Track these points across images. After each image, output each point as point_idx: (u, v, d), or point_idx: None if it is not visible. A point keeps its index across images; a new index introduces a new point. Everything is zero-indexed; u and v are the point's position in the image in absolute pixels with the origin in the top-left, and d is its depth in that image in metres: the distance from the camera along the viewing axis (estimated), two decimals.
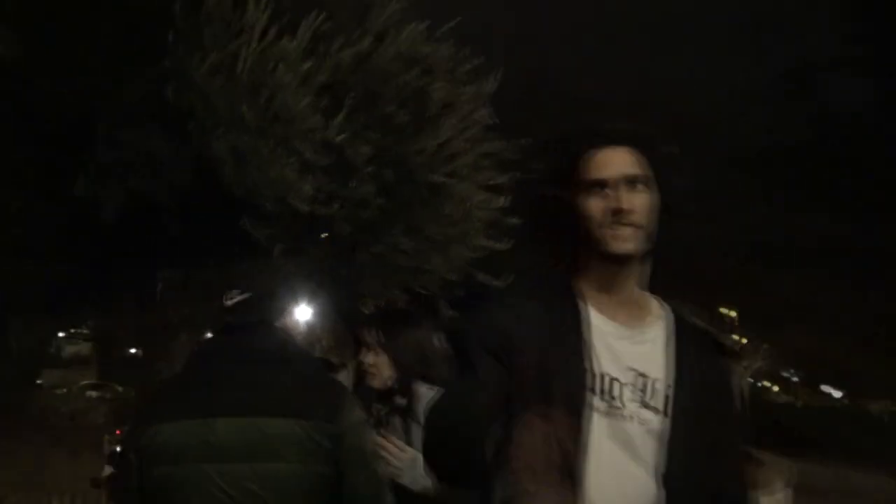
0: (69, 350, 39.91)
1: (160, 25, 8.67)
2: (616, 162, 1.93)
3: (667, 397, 1.89)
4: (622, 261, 1.93)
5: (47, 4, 8.98)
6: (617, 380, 1.88)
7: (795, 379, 54.08)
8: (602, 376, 1.88)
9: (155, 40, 8.77)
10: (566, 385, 1.84)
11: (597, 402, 1.86)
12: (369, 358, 3.19)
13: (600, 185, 1.91)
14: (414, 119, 9.80)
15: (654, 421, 1.88)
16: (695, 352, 1.97)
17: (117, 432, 7.70)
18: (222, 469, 2.33)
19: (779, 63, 20.18)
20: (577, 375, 1.86)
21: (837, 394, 48.12)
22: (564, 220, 1.95)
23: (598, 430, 1.84)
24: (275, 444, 2.35)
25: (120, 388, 28.31)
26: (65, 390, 28.51)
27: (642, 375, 1.90)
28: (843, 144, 18.88)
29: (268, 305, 2.67)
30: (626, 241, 1.90)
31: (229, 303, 2.60)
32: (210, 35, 8.68)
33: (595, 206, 1.91)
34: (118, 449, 7.67)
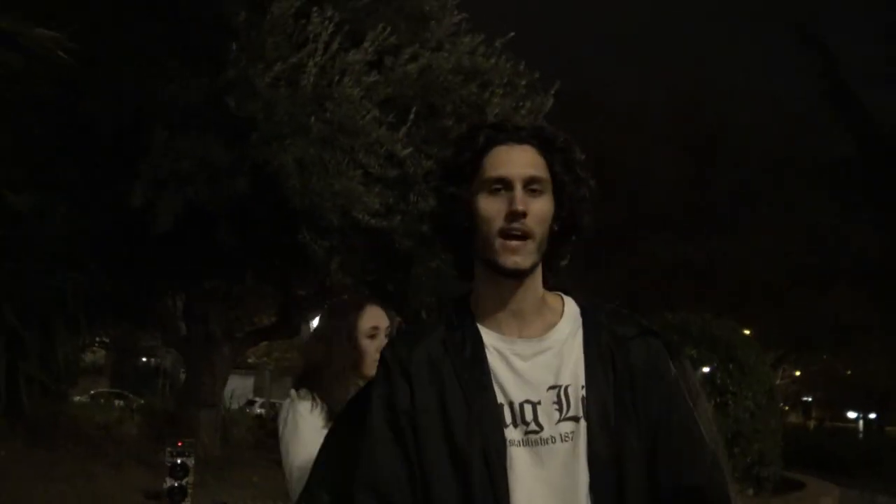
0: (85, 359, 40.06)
1: (222, 35, 8.62)
2: (518, 161, 1.78)
3: (583, 398, 1.73)
4: (515, 276, 1.78)
5: (105, 10, 8.94)
6: (529, 402, 1.74)
7: (808, 399, 53.56)
8: (511, 404, 1.73)
9: (217, 49, 8.72)
10: (476, 430, 1.70)
11: (512, 433, 1.72)
12: None
13: (500, 183, 1.76)
14: None
15: (577, 429, 1.73)
16: (605, 344, 1.80)
17: (179, 444, 7.57)
18: None
19: (823, 74, 19.94)
20: (487, 415, 1.72)
21: (861, 417, 47.81)
22: (461, 222, 1.81)
23: (521, 463, 1.70)
24: None
25: (141, 400, 28.31)
26: (87, 398, 28.55)
27: (553, 387, 1.75)
28: (888, 158, 18.68)
29: None
30: (516, 253, 1.74)
31: None
32: (273, 45, 8.62)
33: (492, 206, 1.76)
34: (179, 461, 7.59)
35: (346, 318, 3.14)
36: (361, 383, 2.91)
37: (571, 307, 1.88)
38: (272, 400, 32.62)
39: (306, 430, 2.92)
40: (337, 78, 8.43)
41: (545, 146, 1.83)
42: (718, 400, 12.41)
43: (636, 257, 18.25)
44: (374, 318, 3.18)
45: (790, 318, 21.28)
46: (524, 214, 1.74)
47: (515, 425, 1.73)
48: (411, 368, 1.79)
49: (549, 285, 1.89)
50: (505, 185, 1.76)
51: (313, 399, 3.03)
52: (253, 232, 9.09)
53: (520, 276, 1.78)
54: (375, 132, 8.40)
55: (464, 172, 1.83)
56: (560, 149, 1.84)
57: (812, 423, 44.12)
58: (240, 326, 14.47)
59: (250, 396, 34.32)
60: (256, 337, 14.76)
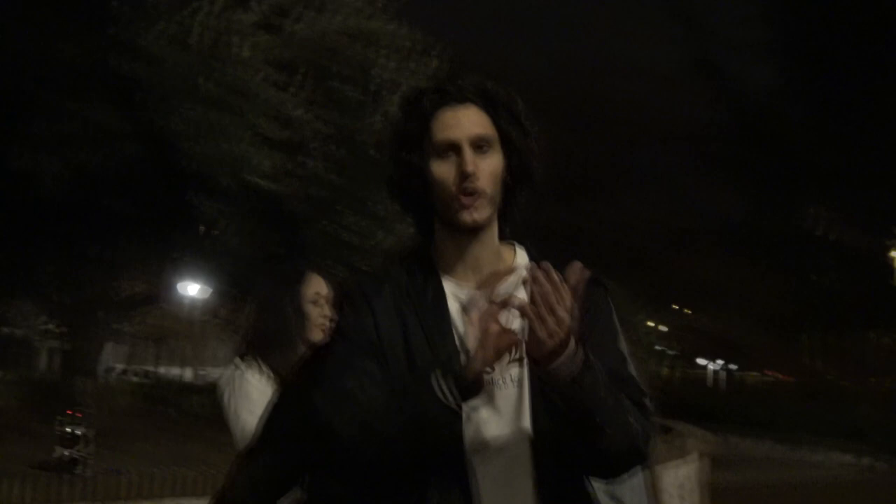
0: None
1: None
2: (464, 122, 1.84)
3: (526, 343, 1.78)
4: (472, 231, 1.86)
5: None
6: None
7: (671, 352, 55.70)
8: (468, 351, 1.79)
9: (97, 6, 8.40)
10: (430, 364, 1.77)
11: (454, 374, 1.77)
12: None
13: (449, 147, 1.82)
14: (360, 95, 9.71)
15: (522, 371, 1.84)
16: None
17: (69, 412, 7.36)
18: None
19: (691, 46, 20.64)
20: (449, 355, 1.78)
21: (714, 366, 50.14)
22: (417, 186, 1.87)
23: (473, 405, 1.79)
24: None
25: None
26: None
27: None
28: (752, 127, 19.58)
29: None
30: (470, 210, 1.81)
31: None
32: (157, 1, 8.36)
33: (444, 170, 1.83)
34: (69, 430, 7.35)
35: (292, 286, 3.22)
36: (303, 349, 3.00)
37: (522, 258, 1.97)
38: (147, 368, 31.85)
39: (255, 395, 2.98)
40: (227, 38, 8.24)
41: (489, 103, 1.88)
42: None
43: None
44: (316, 285, 3.27)
45: (659, 278, 22.14)
46: (476, 176, 1.80)
47: None
48: (374, 304, 1.86)
49: (503, 236, 1.96)
50: (454, 147, 1.82)
51: (259, 366, 3.11)
52: (139, 195, 8.86)
53: (476, 230, 1.86)
54: (267, 94, 8.28)
55: (414, 138, 1.87)
56: (503, 103, 1.89)
57: (673, 373, 45.94)
58: (116, 292, 14.02)
59: (126, 364, 33.32)
60: (134, 303, 14.39)
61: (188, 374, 30.40)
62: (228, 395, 3.08)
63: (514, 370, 1.84)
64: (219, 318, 16.81)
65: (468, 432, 1.78)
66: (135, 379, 26.61)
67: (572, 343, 1.66)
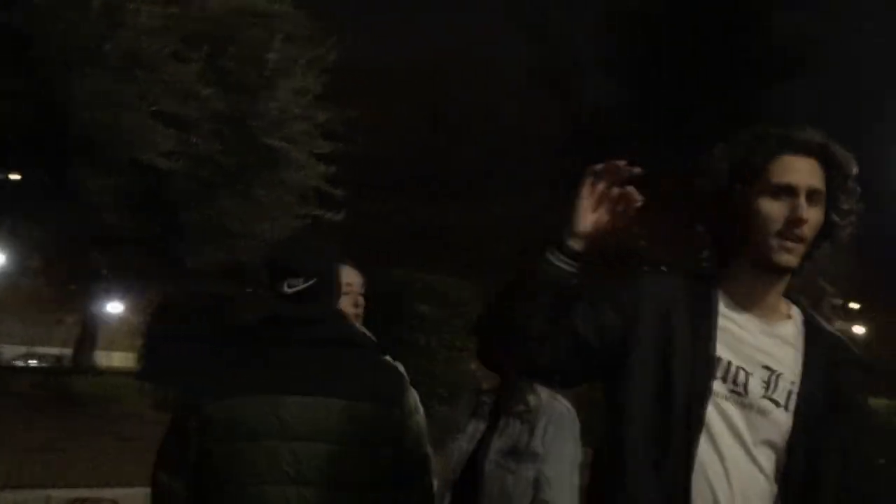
0: None
1: None
2: (803, 171, 1.95)
3: (789, 392, 1.94)
4: (780, 272, 1.97)
5: None
6: (743, 369, 1.93)
7: None
8: (728, 364, 1.93)
9: None
10: (689, 368, 1.90)
11: (718, 386, 1.91)
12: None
13: (786, 190, 1.92)
14: (253, 79, 9.46)
15: (776, 413, 1.93)
16: (824, 356, 2.01)
17: None
18: (294, 447, 2.32)
19: (535, 61, 21.39)
20: (703, 360, 1.91)
21: None
22: (735, 217, 1.97)
23: (716, 412, 1.89)
24: (343, 424, 2.37)
25: None
26: None
27: (767, 368, 1.95)
28: (596, 141, 20.51)
29: (329, 289, 2.58)
30: (790, 253, 1.92)
31: (291, 290, 2.47)
32: None
33: (777, 211, 1.93)
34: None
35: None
36: None
37: (798, 313, 2.06)
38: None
39: None
40: (134, 6, 7.78)
41: (827, 159, 1.97)
42: (448, 355, 13.10)
43: (368, 219, 18.60)
44: (347, 276, 3.27)
45: None
46: (806, 223, 1.90)
47: (724, 381, 1.90)
48: (640, 296, 1.96)
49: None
50: (791, 192, 1.91)
51: None
52: (22, 158, 8.21)
53: (783, 273, 1.96)
54: (170, 67, 7.91)
55: (750, 174, 1.97)
56: (838, 165, 1.99)
57: None
58: None
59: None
60: None
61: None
62: None
63: (767, 405, 1.92)
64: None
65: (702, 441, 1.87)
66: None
67: None
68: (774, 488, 1.90)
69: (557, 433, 3.02)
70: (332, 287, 2.62)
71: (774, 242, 1.91)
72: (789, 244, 1.91)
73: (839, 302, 2.27)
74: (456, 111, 22.13)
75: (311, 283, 2.50)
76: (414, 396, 2.58)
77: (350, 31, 11.20)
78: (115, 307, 28.54)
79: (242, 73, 9.35)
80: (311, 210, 10.39)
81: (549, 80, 20.80)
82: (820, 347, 2.00)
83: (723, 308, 1.98)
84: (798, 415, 1.91)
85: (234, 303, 20.40)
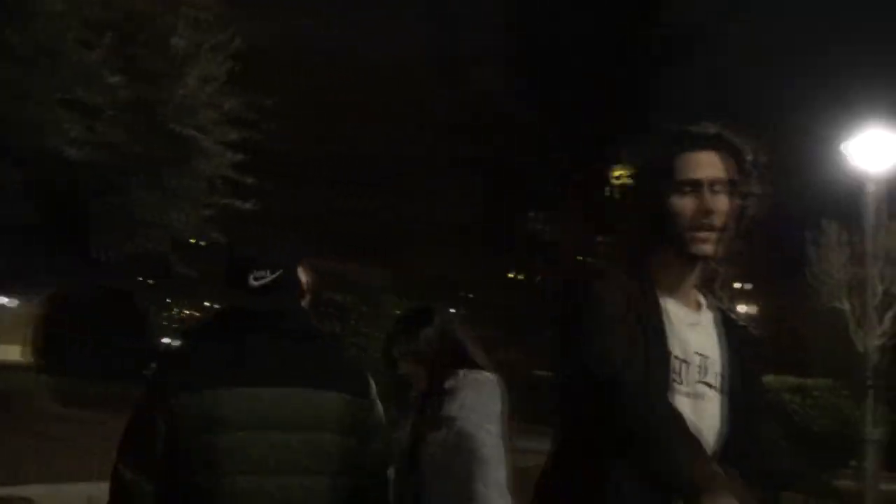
0: None
1: None
2: (704, 164, 2.08)
3: (717, 375, 2.13)
4: (699, 261, 2.10)
5: None
6: (684, 361, 2.11)
7: None
8: (674, 358, 2.10)
9: None
10: (652, 368, 2.04)
11: (672, 383, 2.07)
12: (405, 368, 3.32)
13: (692, 185, 2.06)
14: (160, 66, 9.29)
15: (710, 394, 2.11)
16: (735, 338, 2.24)
17: None
18: (270, 438, 2.35)
19: (433, 49, 21.55)
20: (662, 360, 2.07)
21: None
22: (654, 216, 2.11)
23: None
24: (319, 414, 2.42)
25: None
26: None
27: (701, 355, 2.15)
28: (488, 129, 20.76)
29: (294, 283, 2.60)
30: (706, 243, 2.06)
31: (258, 283, 2.46)
32: None
33: (686, 206, 2.06)
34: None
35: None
36: None
37: (706, 300, 2.24)
38: None
39: None
40: None
41: (727, 149, 2.12)
42: (353, 340, 13.20)
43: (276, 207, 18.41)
44: (302, 274, 3.31)
45: (420, 268, 22.73)
46: (715, 213, 2.05)
47: (674, 377, 2.07)
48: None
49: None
50: (697, 186, 2.06)
51: None
52: None
53: (703, 262, 2.11)
54: (78, 54, 7.71)
55: (660, 173, 2.11)
56: (739, 151, 2.13)
57: None
58: None
59: None
60: None
61: None
62: None
63: (701, 389, 2.10)
64: None
65: None
66: None
67: None
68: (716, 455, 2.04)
69: (476, 397, 3.14)
70: (296, 280, 2.68)
71: (688, 235, 2.06)
72: (703, 234, 2.05)
73: (731, 283, 2.48)
74: (353, 100, 22.04)
75: (276, 275, 2.55)
76: (373, 386, 2.66)
77: (257, 18, 11.08)
78: (11, 301, 27.55)
79: (149, 60, 9.17)
80: (221, 199, 10.26)
81: (447, 69, 21.01)
82: (730, 330, 2.21)
83: (663, 303, 2.13)
84: (724, 393, 2.12)
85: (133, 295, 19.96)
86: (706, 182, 2.07)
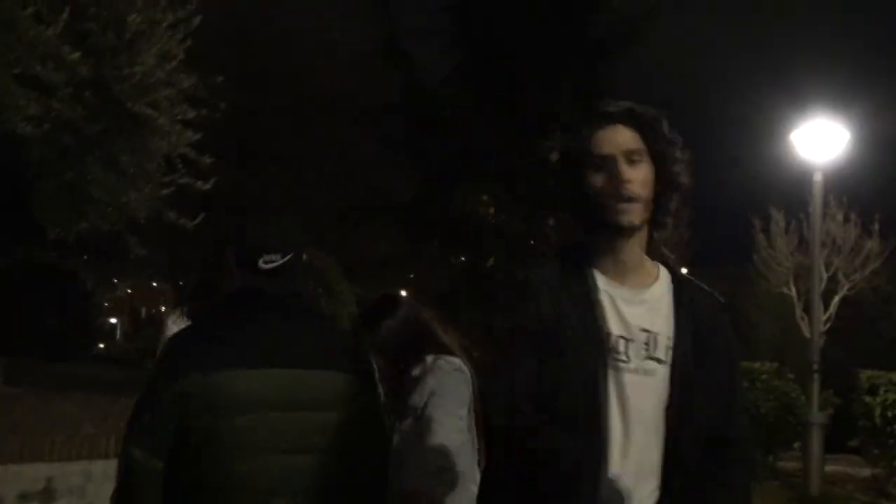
0: None
1: None
2: (615, 138, 2.18)
3: (667, 348, 2.17)
4: (624, 230, 2.17)
5: None
6: (623, 337, 2.17)
7: None
8: (609, 335, 2.16)
9: None
10: (583, 346, 2.12)
11: (607, 359, 2.15)
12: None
13: (605, 159, 2.15)
14: (115, 42, 9.08)
15: (658, 369, 2.15)
16: (690, 305, 2.25)
17: None
18: (281, 418, 2.40)
19: (378, 29, 21.40)
20: (595, 338, 2.14)
21: None
22: (576, 193, 2.22)
23: (609, 383, 2.13)
24: (328, 396, 2.48)
25: None
26: None
27: (647, 331, 2.17)
28: (428, 111, 20.65)
29: (302, 267, 2.69)
30: (626, 213, 2.13)
31: (269, 266, 2.55)
32: None
33: (601, 179, 2.16)
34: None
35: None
36: None
37: (665, 273, 2.31)
38: None
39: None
40: None
41: (636, 122, 2.21)
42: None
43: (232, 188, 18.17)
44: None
45: (334, 250, 22.53)
46: (630, 183, 2.14)
47: (609, 353, 2.15)
48: (536, 291, 2.17)
49: (652, 242, 2.29)
50: (609, 160, 2.16)
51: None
52: None
53: (627, 231, 2.18)
54: (34, 29, 7.50)
55: (575, 152, 2.22)
56: (648, 122, 2.22)
57: None
58: None
59: None
60: None
61: None
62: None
63: (650, 365, 2.17)
64: None
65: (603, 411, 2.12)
66: None
67: None
68: (662, 429, 2.15)
69: (444, 383, 3.17)
70: (304, 264, 2.69)
71: (610, 205, 2.14)
72: (622, 205, 2.14)
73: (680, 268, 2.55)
74: (285, 76, 21.84)
75: (286, 259, 2.56)
76: (377, 368, 2.70)
77: None
78: None
79: (106, 37, 8.95)
80: (178, 178, 10.10)
81: (384, 50, 20.83)
82: (686, 298, 2.26)
83: (599, 284, 2.20)
84: (674, 366, 2.16)
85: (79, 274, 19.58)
86: (620, 154, 2.15)
